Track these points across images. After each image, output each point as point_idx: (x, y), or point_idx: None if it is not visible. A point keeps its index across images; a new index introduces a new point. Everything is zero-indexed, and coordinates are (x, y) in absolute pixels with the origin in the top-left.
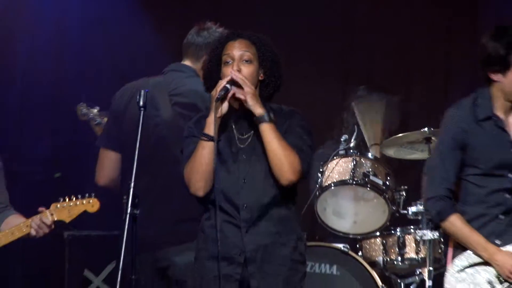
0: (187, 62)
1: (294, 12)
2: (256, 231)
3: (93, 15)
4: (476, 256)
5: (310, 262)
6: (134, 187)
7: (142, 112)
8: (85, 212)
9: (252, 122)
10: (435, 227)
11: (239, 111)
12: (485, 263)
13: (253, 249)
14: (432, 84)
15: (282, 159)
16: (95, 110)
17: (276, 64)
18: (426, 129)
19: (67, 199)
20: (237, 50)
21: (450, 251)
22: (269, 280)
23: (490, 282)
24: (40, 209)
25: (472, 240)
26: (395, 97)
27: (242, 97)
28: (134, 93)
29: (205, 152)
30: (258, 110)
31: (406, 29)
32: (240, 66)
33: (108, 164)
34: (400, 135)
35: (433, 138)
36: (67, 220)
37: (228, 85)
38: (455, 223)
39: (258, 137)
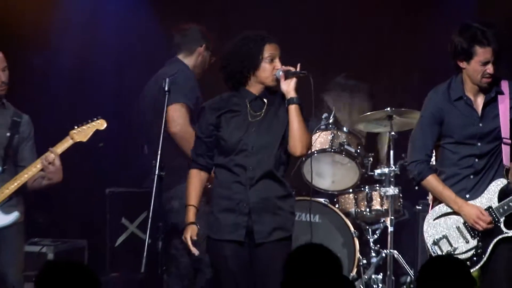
0: (180, 57)
1: (285, 13)
2: (258, 187)
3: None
4: (448, 208)
5: (298, 212)
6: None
7: (167, 96)
8: (97, 130)
9: (264, 103)
10: (416, 184)
11: (256, 94)
12: (455, 213)
13: (255, 202)
14: (393, 72)
15: (302, 136)
16: None
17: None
18: (388, 108)
19: (80, 125)
20: (276, 50)
21: (431, 203)
22: (267, 226)
23: (458, 228)
24: (50, 149)
25: (445, 195)
26: (365, 84)
27: (291, 82)
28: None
29: None
30: (292, 93)
31: (376, 27)
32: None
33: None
34: (368, 113)
35: (394, 115)
36: (84, 139)
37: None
38: (432, 181)
39: (266, 116)
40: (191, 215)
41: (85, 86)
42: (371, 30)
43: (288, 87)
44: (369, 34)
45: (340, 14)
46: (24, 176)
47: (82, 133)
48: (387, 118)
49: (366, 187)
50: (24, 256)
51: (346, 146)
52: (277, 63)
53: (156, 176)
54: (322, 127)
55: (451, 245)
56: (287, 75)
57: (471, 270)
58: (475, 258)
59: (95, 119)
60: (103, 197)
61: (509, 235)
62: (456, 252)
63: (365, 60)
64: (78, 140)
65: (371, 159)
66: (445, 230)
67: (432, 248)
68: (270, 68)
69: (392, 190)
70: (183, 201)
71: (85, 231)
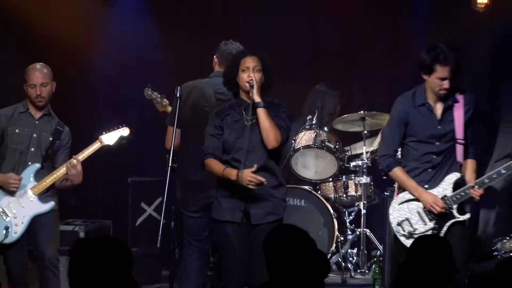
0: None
1: (276, 28)
2: None
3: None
4: (410, 195)
5: (287, 197)
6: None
7: (178, 101)
8: (121, 136)
9: (255, 110)
10: (385, 175)
11: (248, 102)
12: (416, 199)
13: (251, 190)
14: (366, 81)
15: (270, 132)
16: (157, 93)
17: (272, 73)
18: (361, 111)
19: (107, 131)
20: (251, 63)
21: (396, 191)
22: (262, 210)
23: (418, 212)
24: (73, 156)
25: (408, 184)
26: (336, 91)
27: (253, 90)
28: (192, 88)
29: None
30: (257, 99)
31: (352, 44)
32: (252, 73)
33: (171, 135)
34: (345, 115)
35: (366, 117)
36: (111, 143)
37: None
38: (398, 172)
39: (258, 120)
40: (232, 171)
41: (113, 94)
42: (348, 46)
43: (254, 95)
44: (346, 50)
45: (321, 34)
46: (57, 174)
47: (109, 138)
48: (361, 120)
49: (343, 177)
50: (59, 235)
51: (326, 143)
52: (249, 73)
53: (169, 167)
54: (307, 127)
55: (412, 226)
56: (251, 85)
57: None
58: None
59: (120, 126)
60: (125, 185)
61: (461, 219)
62: (415, 232)
63: (342, 71)
64: (105, 144)
65: (347, 153)
66: (407, 213)
67: (396, 228)
68: (244, 77)
69: (364, 179)
70: None
71: (110, 213)
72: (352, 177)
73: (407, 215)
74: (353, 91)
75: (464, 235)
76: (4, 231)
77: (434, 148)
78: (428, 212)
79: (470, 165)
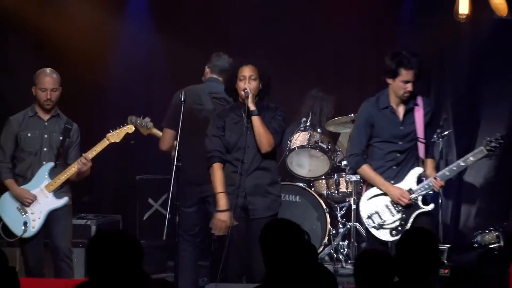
0: (215, 75)
1: (275, 38)
2: (252, 176)
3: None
4: (379, 190)
5: (283, 194)
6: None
7: (182, 104)
8: (127, 134)
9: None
10: (353, 172)
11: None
12: (384, 194)
13: (250, 187)
14: (355, 87)
15: (263, 138)
16: (141, 118)
17: (268, 79)
18: (352, 114)
19: (114, 129)
20: (248, 72)
21: (364, 187)
22: (259, 206)
23: (386, 205)
24: (83, 154)
25: (376, 180)
26: (332, 96)
27: (248, 100)
28: (187, 92)
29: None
30: (252, 107)
31: (344, 54)
32: (249, 82)
33: (167, 137)
34: (337, 118)
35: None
36: (118, 140)
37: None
38: (366, 169)
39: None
40: (225, 200)
41: (122, 96)
42: (339, 55)
43: (248, 104)
44: (337, 57)
45: (315, 42)
46: (70, 171)
47: (116, 136)
48: (351, 122)
49: (335, 175)
50: (72, 228)
51: (319, 143)
52: (245, 82)
53: (174, 166)
54: (301, 128)
55: (381, 218)
56: (246, 95)
57: (397, 237)
58: (399, 228)
59: (126, 124)
60: (134, 182)
61: (425, 210)
62: (385, 224)
63: (334, 77)
64: (112, 141)
65: (339, 153)
66: (376, 207)
67: (366, 221)
68: (241, 86)
69: (354, 177)
70: None
71: (120, 208)
72: (343, 175)
73: (376, 209)
74: (344, 96)
75: (429, 224)
76: (23, 226)
77: (398, 147)
78: (395, 204)
79: (430, 163)
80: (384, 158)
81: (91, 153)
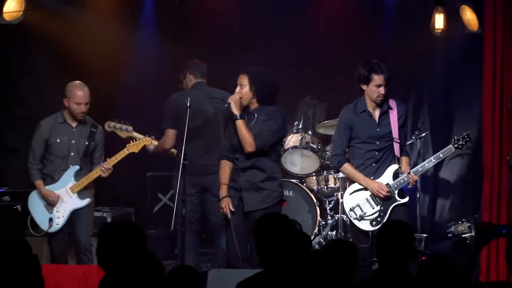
0: (199, 80)
1: (274, 50)
2: (246, 174)
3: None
4: (359, 185)
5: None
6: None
7: (188, 109)
8: (144, 146)
9: (254, 117)
10: (336, 171)
11: (250, 110)
12: (365, 188)
13: (243, 183)
14: (342, 94)
15: (245, 140)
16: (120, 123)
17: (261, 86)
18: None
19: (133, 140)
20: (240, 80)
21: (348, 183)
22: (251, 200)
23: (366, 199)
24: (105, 163)
25: (356, 176)
26: (323, 103)
27: (231, 106)
28: (184, 97)
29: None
30: (234, 112)
31: (334, 64)
32: (241, 89)
33: (170, 136)
34: (326, 121)
35: None
36: (136, 151)
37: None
38: (347, 167)
39: (254, 125)
40: (224, 190)
41: (135, 104)
42: (328, 65)
43: (232, 109)
44: (327, 67)
45: (307, 55)
46: (93, 175)
47: (135, 147)
48: None
49: (324, 172)
50: (93, 224)
51: (311, 144)
52: (239, 88)
53: (181, 164)
54: (294, 131)
55: (362, 210)
56: (227, 103)
57: (377, 227)
58: (379, 219)
59: (146, 136)
60: (145, 179)
61: (401, 202)
62: (365, 215)
63: (324, 84)
64: (131, 151)
65: (328, 153)
66: (358, 200)
67: (349, 214)
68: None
69: (342, 174)
70: None
71: (132, 201)
72: (332, 172)
73: (358, 202)
74: (332, 101)
75: (405, 215)
76: (49, 223)
77: (376, 147)
78: (375, 198)
79: (404, 160)
80: (364, 157)
81: (112, 161)
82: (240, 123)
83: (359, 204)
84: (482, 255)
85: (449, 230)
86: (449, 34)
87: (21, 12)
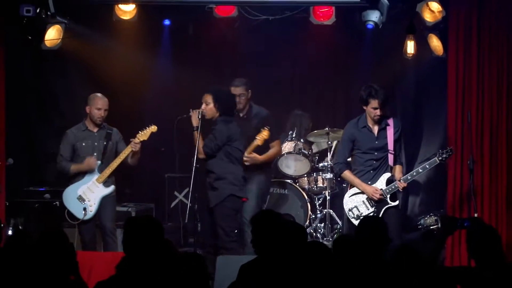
0: None
1: (274, 71)
2: (207, 176)
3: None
4: (358, 189)
5: (276, 187)
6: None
7: (200, 121)
8: (152, 133)
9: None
10: (338, 176)
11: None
12: (361, 192)
13: (207, 184)
14: (330, 106)
15: (198, 149)
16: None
17: (222, 103)
18: (326, 128)
19: (142, 130)
20: (204, 98)
21: (348, 187)
22: (210, 197)
23: (363, 201)
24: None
25: (355, 181)
26: (308, 113)
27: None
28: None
29: None
30: (194, 124)
31: (324, 80)
32: (204, 105)
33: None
34: (315, 131)
35: (330, 133)
36: (146, 138)
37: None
38: (348, 174)
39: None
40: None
41: (154, 116)
42: (316, 84)
43: (192, 121)
44: (315, 86)
45: (298, 74)
46: (116, 162)
47: (143, 135)
48: (326, 134)
49: (314, 173)
50: (116, 214)
51: (302, 150)
52: (204, 105)
53: (194, 166)
54: (289, 139)
55: (359, 211)
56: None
57: None
58: None
59: (150, 125)
60: (163, 179)
61: (393, 204)
62: (362, 215)
63: (312, 100)
64: (142, 139)
65: (317, 157)
66: (355, 202)
67: (348, 213)
68: None
69: (329, 175)
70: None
71: (153, 198)
72: (320, 174)
73: (355, 204)
74: (320, 114)
75: (396, 215)
76: (83, 211)
77: (374, 157)
78: (370, 200)
79: (397, 169)
80: (364, 165)
81: (138, 139)
82: (195, 134)
83: (356, 205)
84: (447, 244)
85: (419, 222)
86: (419, 57)
87: (60, 39)
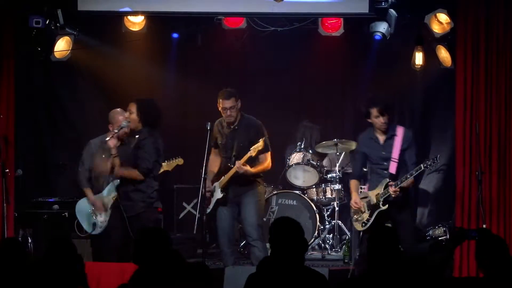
0: None
1: (278, 81)
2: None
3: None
4: (361, 195)
5: (284, 199)
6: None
7: (209, 132)
8: (176, 165)
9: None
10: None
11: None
12: (364, 197)
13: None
14: (338, 118)
15: (132, 175)
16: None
17: (145, 114)
18: (335, 139)
19: (167, 160)
20: (128, 107)
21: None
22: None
23: (363, 205)
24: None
25: (351, 190)
26: (317, 125)
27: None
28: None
29: None
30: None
31: (331, 91)
32: (128, 114)
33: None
34: (324, 142)
35: (338, 143)
36: (169, 169)
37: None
38: (350, 183)
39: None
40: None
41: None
42: (324, 95)
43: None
44: (323, 97)
45: (306, 86)
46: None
47: (168, 165)
48: (334, 145)
49: (323, 184)
50: None
51: (311, 161)
52: (128, 113)
53: (203, 178)
54: (297, 150)
55: (358, 214)
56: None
57: (365, 228)
58: (365, 221)
59: (178, 157)
60: (172, 190)
61: (383, 208)
62: (359, 218)
63: (320, 111)
64: (165, 169)
65: (325, 168)
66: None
67: (352, 216)
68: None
69: (337, 186)
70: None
71: (162, 209)
72: (329, 185)
73: (353, 209)
74: (328, 125)
75: (386, 217)
76: (93, 227)
77: (384, 166)
78: (367, 206)
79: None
80: (376, 173)
81: (163, 167)
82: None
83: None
84: (456, 255)
85: (428, 233)
86: (427, 69)
87: (69, 51)
